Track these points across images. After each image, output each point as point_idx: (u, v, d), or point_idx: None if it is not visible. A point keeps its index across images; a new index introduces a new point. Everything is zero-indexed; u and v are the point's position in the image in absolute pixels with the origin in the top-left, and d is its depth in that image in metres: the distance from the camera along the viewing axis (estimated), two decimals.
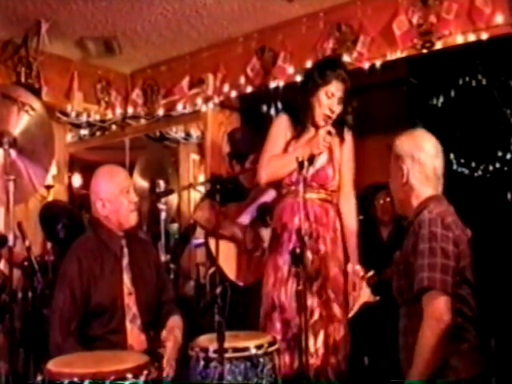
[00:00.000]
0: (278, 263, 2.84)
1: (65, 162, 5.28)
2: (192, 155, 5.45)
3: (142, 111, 4.99)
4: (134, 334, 2.56)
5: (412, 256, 2.07)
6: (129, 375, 1.92)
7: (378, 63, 3.74)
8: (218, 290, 2.16)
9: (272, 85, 4.22)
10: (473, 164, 4.65)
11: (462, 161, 4.65)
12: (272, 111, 4.79)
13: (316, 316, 2.75)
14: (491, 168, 4.58)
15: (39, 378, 1.97)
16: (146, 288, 2.66)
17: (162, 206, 3.81)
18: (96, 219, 2.66)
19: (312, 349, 2.68)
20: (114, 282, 2.57)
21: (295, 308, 2.66)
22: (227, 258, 3.42)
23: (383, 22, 3.76)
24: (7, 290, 3.09)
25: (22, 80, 4.38)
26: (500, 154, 4.53)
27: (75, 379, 1.87)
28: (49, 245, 4.11)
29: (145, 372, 1.97)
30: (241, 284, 3.42)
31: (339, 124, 2.90)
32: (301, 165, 2.53)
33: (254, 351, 2.26)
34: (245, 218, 3.55)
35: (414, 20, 3.59)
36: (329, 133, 2.76)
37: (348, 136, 2.97)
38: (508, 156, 4.51)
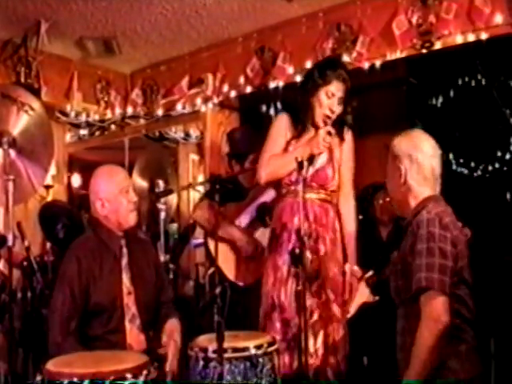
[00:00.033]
0: (278, 263, 2.84)
1: (64, 161, 5.28)
2: (191, 155, 5.45)
3: (142, 111, 4.99)
4: (134, 334, 2.56)
5: (410, 256, 2.07)
6: (128, 375, 1.92)
7: (377, 63, 3.74)
8: (218, 290, 2.16)
9: (271, 85, 4.22)
10: (472, 164, 4.65)
11: (462, 161, 4.65)
12: (271, 111, 4.78)
13: (316, 316, 2.75)
14: (490, 168, 4.58)
15: (38, 377, 1.96)
16: (146, 288, 2.66)
17: (161, 206, 3.81)
18: (95, 219, 2.67)
19: (312, 349, 2.68)
20: (114, 282, 2.58)
21: (295, 308, 2.66)
22: (226, 258, 3.41)
23: (383, 21, 3.76)
24: (7, 290, 3.09)
25: (22, 80, 4.38)
26: (499, 154, 4.53)
27: (75, 379, 1.87)
28: (48, 245, 4.11)
29: (144, 372, 1.96)
30: (240, 284, 3.42)
31: (339, 124, 2.90)
32: (300, 165, 2.53)
33: (253, 351, 2.26)
34: (244, 218, 3.54)
35: (414, 20, 3.59)
36: (329, 133, 2.76)
37: (348, 136, 2.97)
38: (507, 156, 4.51)
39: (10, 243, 3.00)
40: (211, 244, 3.40)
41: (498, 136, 4.41)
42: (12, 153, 3.19)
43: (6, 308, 3.08)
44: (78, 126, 5.11)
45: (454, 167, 4.63)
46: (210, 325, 2.17)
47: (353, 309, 2.76)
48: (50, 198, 4.80)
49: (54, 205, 4.39)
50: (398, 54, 3.68)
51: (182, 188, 5.04)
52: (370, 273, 2.85)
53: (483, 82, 4.40)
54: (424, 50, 3.55)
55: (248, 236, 3.44)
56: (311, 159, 2.61)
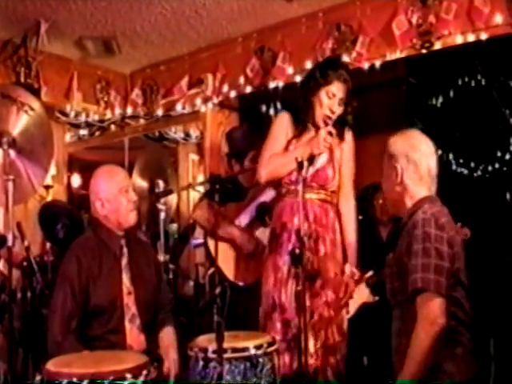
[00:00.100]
0: (278, 263, 2.84)
1: (64, 162, 5.28)
2: (191, 155, 5.45)
3: (142, 111, 4.99)
4: (133, 334, 2.56)
5: (406, 256, 2.05)
6: (128, 375, 1.91)
7: (377, 63, 3.74)
8: (218, 290, 2.15)
9: (271, 85, 4.22)
10: (472, 164, 4.65)
11: (461, 161, 4.65)
12: (271, 111, 4.79)
13: (316, 317, 2.75)
14: (490, 168, 4.58)
15: (38, 377, 1.97)
16: (146, 288, 2.66)
17: (161, 206, 3.80)
18: (95, 219, 2.67)
19: (312, 349, 2.68)
20: (113, 282, 2.58)
21: (295, 308, 2.66)
22: (226, 258, 3.41)
23: (382, 22, 3.76)
24: (6, 290, 3.09)
25: (22, 80, 4.38)
26: (499, 154, 4.53)
27: (74, 379, 1.87)
28: (48, 245, 4.11)
29: (144, 372, 1.96)
30: (240, 284, 3.42)
31: (340, 124, 2.90)
32: (300, 165, 2.53)
33: (253, 351, 2.26)
34: (244, 218, 3.54)
35: (414, 20, 3.59)
36: (329, 133, 2.76)
37: (348, 136, 2.96)
38: (507, 156, 4.51)
39: (9, 243, 3.00)
40: (211, 244, 3.40)
41: (498, 136, 4.42)
42: (12, 153, 3.19)
43: (6, 308, 3.08)
44: (77, 126, 5.11)
45: (454, 167, 4.63)
46: (210, 325, 2.16)
47: (353, 309, 2.76)
48: (49, 198, 4.81)
49: (54, 205, 4.39)
50: (398, 54, 3.68)
51: (182, 188, 5.04)
52: (370, 273, 2.85)
53: (483, 82, 4.40)
54: (424, 50, 3.55)
55: (248, 234, 3.44)
56: (311, 159, 2.61)
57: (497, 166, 4.55)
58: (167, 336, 2.66)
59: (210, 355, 2.23)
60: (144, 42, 4.59)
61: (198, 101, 4.61)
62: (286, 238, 2.83)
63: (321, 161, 2.86)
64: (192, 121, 4.98)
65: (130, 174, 4.55)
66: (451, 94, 4.59)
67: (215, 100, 4.56)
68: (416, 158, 2.14)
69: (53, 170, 4.79)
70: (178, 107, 4.72)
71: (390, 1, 3.73)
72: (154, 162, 5.07)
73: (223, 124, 4.71)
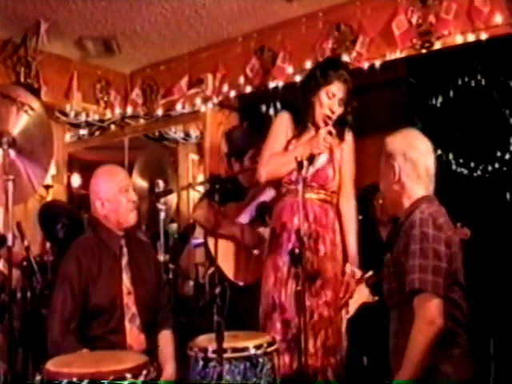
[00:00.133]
0: (278, 263, 2.84)
1: (64, 161, 5.28)
2: (191, 155, 5.45)
3: (141, 111, 5.00)
4: (133, 334, 2.56)
5: (403, 257, 2.04)
6: (128, 375, 1.91)
7: (377, 63, 3.75)
8: (217, 290, 2.15)
9: (271, 85, 4.22)
10: (472, 164, 4.64)
11: (461, 161, 4.65)
12: (271, 111, 4.79)
13: (316, 317, 2.75)
14: (490, 168, 4.58)
15: (38, 377, 1.96)
16: (146, 287, 2.66)
17: (161, 206, 3.80)
18: (95, 219, 2.66)
19: (312, 349, 2.68)
20: (113, 282, 2.57)
21: (295, 308, 2.65)
22: (226, 257, 3.41)
23: (382, 22, 3.76)
24: (6, 290, 3.09)
25: (21, 80, 4.39)
26: (499, 154, 4.53)
27: (74, 379, 1.86)
28: (48, 245, 4.11)
29: (144, 372, 1.96)
30: (240, 284, 3.42)
31: (340, 124, 2.90)
32: (300, 165, 2.53)
33: (253, 351, 2.26)
34: (244, 218, 3.54)
35: (414, 20, 3.59)
36: (329, 133, 2.76)
37: (348, 136, 2.96)
38: (507, 156, 4.51)
39: (9, 243, 3.00)
40: (211, 244, 3.40)
41: (498, 136, 4.41)
42: (12, 153, 3.19)
43: (6, 308, 3.08)
44: (77, 126, 5.11)
45: (454, 167, 4.63)
46: (210, 325, 2.16)
47: (352, 309, 2.77)
48: (49, 198, 4.81)
49: (54, 205, 4.39)
50: (398, 54, 3.69)
51: (182, 188, 5.04)
52: (370, 273, 2.85)
53: (483, 82, 4.40)
54: (424, 50, 3.55)
55: (249, 229, 3.44)
56: (311, 159, 2.61)
57: (497, 165, 4.54)
58: (166, 348, 2.64)
59: (210, 355, 2.23)
60: (144, 42, 4.60)
61: (198, 101, 4.61)
62: (286, 237, 2.83)
63: (321, 161, 2.86)
64: (192, 121, 4.99)
65: (130, 173, 4.55)
66: (451, 94, 4.59)
67: (215, 100, 4.56)
68: (414, 157, 2.13)
69: (53, 170, 4.79)
70: (178, 107, 4.72)
71: (390, 1, 3.73)
72: (154, 161, 5.07)
73: (223, 124, 4.71)
